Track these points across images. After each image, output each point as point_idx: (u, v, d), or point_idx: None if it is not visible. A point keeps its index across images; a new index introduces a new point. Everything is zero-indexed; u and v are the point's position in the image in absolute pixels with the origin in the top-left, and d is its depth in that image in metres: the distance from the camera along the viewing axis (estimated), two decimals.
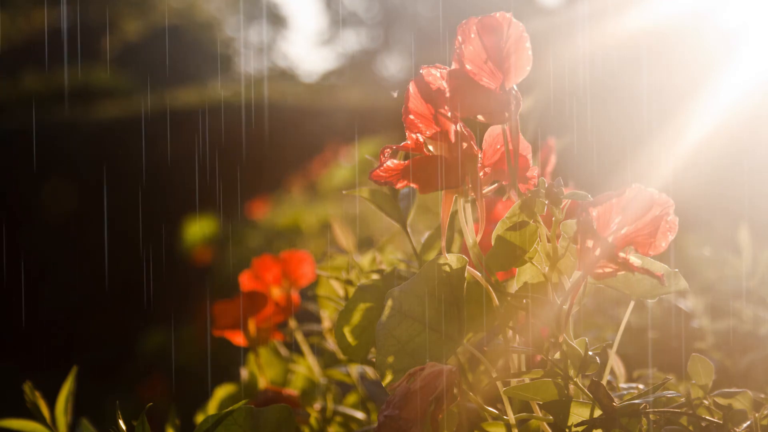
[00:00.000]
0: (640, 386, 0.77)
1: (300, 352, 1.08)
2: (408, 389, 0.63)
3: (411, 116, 0.69)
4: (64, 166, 4.65)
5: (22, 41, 7.66)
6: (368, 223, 2.50)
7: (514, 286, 0.70)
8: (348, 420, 1.00)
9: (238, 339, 1.04)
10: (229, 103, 5.28)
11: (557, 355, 0.67)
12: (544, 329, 0.67)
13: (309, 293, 1.06)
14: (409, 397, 0.63)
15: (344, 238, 1.02)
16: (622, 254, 0.64)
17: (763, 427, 0.68)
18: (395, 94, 0.75)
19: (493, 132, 0.71)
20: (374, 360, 0.69)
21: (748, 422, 0.67)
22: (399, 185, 0.69)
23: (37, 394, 0.86)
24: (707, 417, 0.68)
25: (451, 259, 0.69)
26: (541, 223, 0.67)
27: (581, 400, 0.66)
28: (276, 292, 1.07)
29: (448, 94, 0.68)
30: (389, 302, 0.69)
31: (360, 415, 1.00)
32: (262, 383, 1.04)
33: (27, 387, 0.86)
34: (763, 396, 0.76)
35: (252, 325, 1.03)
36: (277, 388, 1.01)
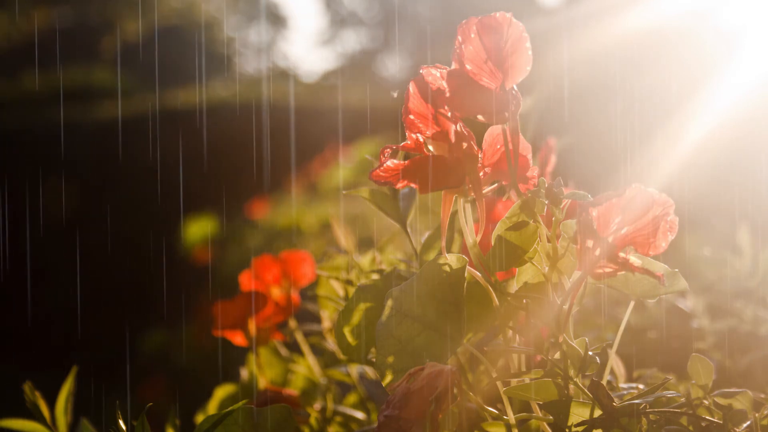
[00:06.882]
0: (640, 386, 0.77)
1: (300, 352, 1.08)
2: (408, 389, 0.63)
3: (411, 116, 0.69)
4: (64, 166, 4.65)
5: (22, 41, 7.66)
6: (368, 223, 2.50)
7: (514, 286, 0.70)
8: (348, 420, 1.00)
9: (238, 339, 1.04)
10: (229, 103, 5.28)
11: (557, 355, 0.67)
12: (544, 329, 0.67)
13: (309, 293, 1.06)
14: (409, 397, 0.63)
15: (344, 238, 1.02)
16: (622, 254, 0.64)
17: (763, 427, 0.68)
18: (395, 94, 0.75)
19: (493, 132, 0.71)
20: (374, 360, 0.69)
21: (748, 422, 0.67)
22: (399, 185, 0.69)
23: (37, 394, 0.86)
24: (707, 417, 0.68)
25: (451, 259, 0.69)
26: (541, 223, 0.67)
27: (581, 400, 0.66)
28: (276, 292, 1.07)
29: (448, 94, 0.68)
30: (389, 302, 0.69)
31: (360, 415, 1.00)
32: (262, 383, 1.04)
33: (27, 387, 0.86)
34: (763, 396, 0.76)
35: (252, 325, 1.03)
36: (277, 388, 1.01)
